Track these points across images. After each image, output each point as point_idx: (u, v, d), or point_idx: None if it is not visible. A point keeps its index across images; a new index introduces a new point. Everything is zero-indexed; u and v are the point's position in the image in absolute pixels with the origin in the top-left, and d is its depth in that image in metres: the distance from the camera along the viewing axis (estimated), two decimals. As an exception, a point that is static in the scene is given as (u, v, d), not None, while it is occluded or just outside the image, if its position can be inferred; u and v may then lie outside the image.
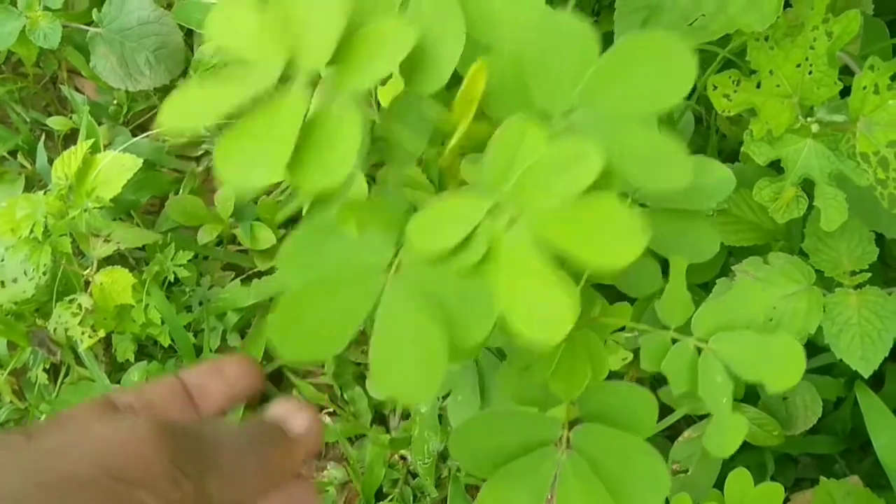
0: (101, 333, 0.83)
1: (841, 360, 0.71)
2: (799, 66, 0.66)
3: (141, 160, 0.91)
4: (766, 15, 0.63)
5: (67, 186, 0.83)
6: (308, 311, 0.37)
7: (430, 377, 0.37)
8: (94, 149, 1.02)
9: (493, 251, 0.36)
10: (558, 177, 0.35)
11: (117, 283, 0.81)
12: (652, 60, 0.38)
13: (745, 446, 0.86)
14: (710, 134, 0.84)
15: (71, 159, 0.86)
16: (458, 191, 0.38)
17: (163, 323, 0.88)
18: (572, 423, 0.52)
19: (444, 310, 0.38)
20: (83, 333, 0.80)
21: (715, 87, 0.67)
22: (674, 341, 0.54)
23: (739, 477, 0.76)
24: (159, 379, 0.35)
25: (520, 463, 0.50)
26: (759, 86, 0.67)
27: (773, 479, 0.92)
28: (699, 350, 0.53)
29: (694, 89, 0.86)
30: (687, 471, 0.87)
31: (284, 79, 0.34)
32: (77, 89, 1.16)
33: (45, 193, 0.85)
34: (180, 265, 0.87)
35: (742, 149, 0.74)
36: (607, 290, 0.62)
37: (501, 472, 0.49)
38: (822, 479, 0.84)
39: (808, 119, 0.67)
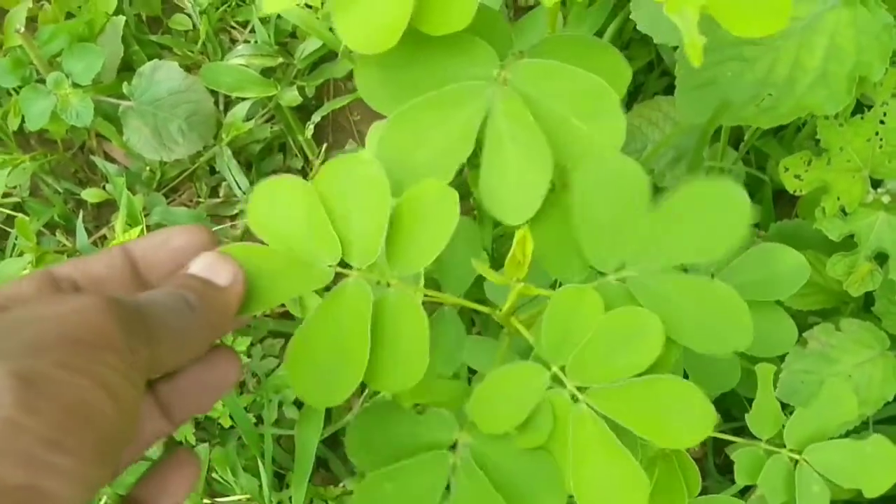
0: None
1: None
2: (869, 140, 0.66)
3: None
4: (836, 95, 0.63)
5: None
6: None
7: None
8: (133, 220, 1.04)
9: (559, 429, 0.37)
10: (619, 351, 0.36)
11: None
12: (708, 210, 0.38)
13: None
14: (766, 189, 0.84)
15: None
16: (516, 364, 0.39)
17: (223, 405, 0.90)
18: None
19: (512, 490, 0.39)
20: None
21: (787, 169, 0.67)
22: (767, 453, 0.55)
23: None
24: (104, 251, 0.35)
25: None
26: (829, 163, 0.67)
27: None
28: (794, 461, 0.55)
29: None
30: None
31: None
32: (106, 154, 1.17)
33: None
34: (242, 350, 0.89)
35: (798, 205, 0.74)
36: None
37: None
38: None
39: (879, 191, 0.68)
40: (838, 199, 0.68)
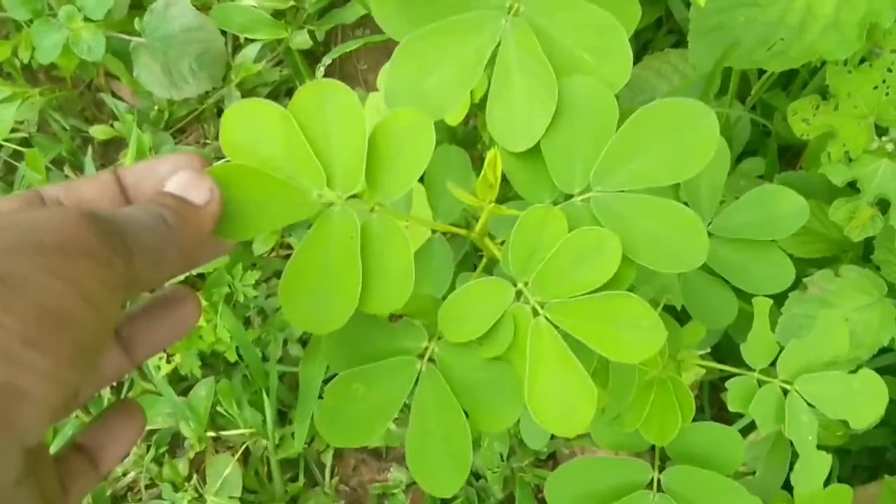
0: (177, 359, 0.88)
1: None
2: (876, 87, 0.68)
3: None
4: (846, 40, 0.65)
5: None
6: (350, 404, 0.41)
7: (456, 472, 0.41)
8: (142, 157, 1.06)
9: (519, 341, 0.40)
10: (579, 267, 0.39)
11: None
12: (672, 130, 0.40)
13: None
14: (771, 141, 0.86)
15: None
16: (483, 279, 0.41)
17: (231, 339, 0.93)
18: (661, 465, 0.57)
19: (473, 397, 0.42)
20: (160, 359, 0.85)
21: (795, 113, 0.69)
22: (759, 383, 0.58)
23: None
24: (95, 175, 0.35)
25: (616, 507, 0.54)
26: (836, 108, 0.69)
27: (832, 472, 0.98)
28: (785, 391, 0.57)
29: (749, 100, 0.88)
30: (754, 472, 0.92)
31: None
32: (113, 93, 1.19)
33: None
34: (248, 285, 0.92)
35: (802, 157, 0.76)
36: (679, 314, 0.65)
37: (600, 519, 0.54)
38: (886, 476, 0.89)
39: (884, 139, 0.70)
40: (844, 145, 0.70)
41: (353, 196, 0.38)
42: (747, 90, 0.86)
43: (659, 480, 0.56)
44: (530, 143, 0.41)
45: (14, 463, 0.25)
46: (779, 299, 0.81)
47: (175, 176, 0.34)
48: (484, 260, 0.47)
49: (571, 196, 0.41)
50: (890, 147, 0.70)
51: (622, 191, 0.41)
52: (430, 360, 0.42)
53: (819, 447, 0.94)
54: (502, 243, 0.43)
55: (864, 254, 0.81)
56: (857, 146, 0.70)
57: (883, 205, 0.71)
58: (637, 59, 0.92)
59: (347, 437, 0.42)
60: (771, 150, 0.86)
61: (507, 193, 0.45)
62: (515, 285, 0.40)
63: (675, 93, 0.84)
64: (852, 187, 0.73)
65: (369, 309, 0.38)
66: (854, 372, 0.58)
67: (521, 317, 0.39)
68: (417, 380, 0.42)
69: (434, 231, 0.54)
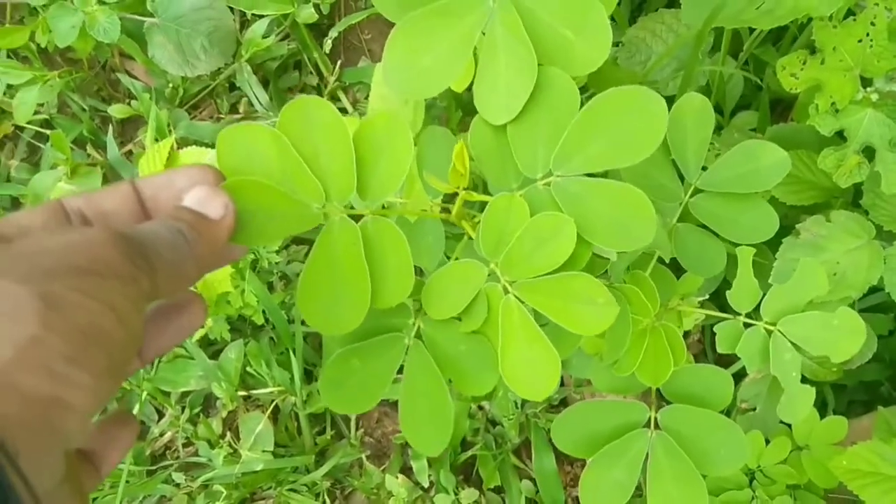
0: (209, 323, 0.95)
1: (891, 297, 0.80)
2: (860, 41, 0.72)
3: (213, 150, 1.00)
4: (831, -4, 0.68)
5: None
6: (349, 376, 0.47)
7: (440, 434, 0.46)
8: (160, 134, 1.11)
9: (492, 317, 0.45)
10: (540, 249, 0.43)
11: (218, 274, 0.92)
12: (624, 116, 0.43)
13: (807, 382, 0.97)
14: (763, 95, 0.90)
15: (155, 157, 0.95)
16: (460, 261, 0.45)
17: (257, 303, 1.00)
18: (658, 405, 0.63)
19: (456, 367, 0.47)
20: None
21: (784, 68, 0.73)
22: (745, 326, 0.63)
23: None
24: (114, 186, 0.37)
25: (615, 445, 0.60)
26: (822, 62, 0.73)
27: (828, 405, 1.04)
28: (769, 332, 0.63)
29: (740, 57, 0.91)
30: (755, 409, 0.98)
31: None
32: (128, 73, 1.23)
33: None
34: (271, 252, 0.98)
35: (793, 110, 0.80)
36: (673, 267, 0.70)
37: (599, 455, 0.60)
38: (880, 408, 0.94)
39: (868, 90, 0.74)
40: (831, 96, 0.74)
41: (348, 204, 0.42)
42: (740, 46, 0.90)
43: (656, 419, 0.62)
44: (509, 117, 0.44)
45: (59, 465, 0.28)
46: (773, 245, 0.86)
47: (192, 191, 0.36)
48: (465, 238, 0.51)
49: (535, 181, 0.45)
50: (874, 97, 0.73)
51: (580, 175, 0.44)
52: (417, 335, 0.47)
53: (814, 382, 1.00)
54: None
55: (854, 199, 0.85)
56: (844, 97, 0.73)
57: (869, 152, 0.75)
58: (632, 19, 0.96)
59: (348, 405, 0.47)
60: (763, 104, 0.90)
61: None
62: (489, 266, 0.44)
63: (669, 52, 0.88)
64: (840, 136, 0.77)
65: (377, 305, 0.42)
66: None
67: (493, 295, 0.44)
68: (407, 353, 0.46)
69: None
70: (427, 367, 0.47)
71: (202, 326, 0.41)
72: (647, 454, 0.60)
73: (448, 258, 0.49)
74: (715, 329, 0.64)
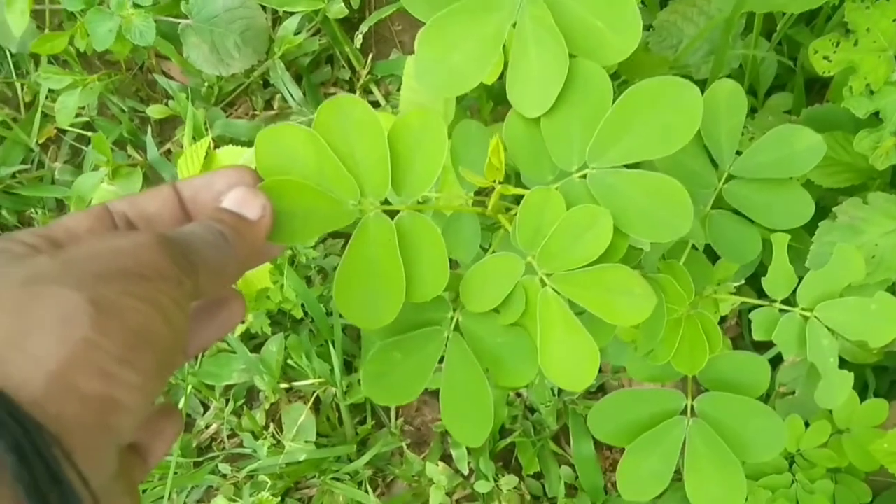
0: (250, 318, 0.97)
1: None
2: (894, 20, 0.71)
3: (251, 149, 1.02)
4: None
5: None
6: (391, 369, 0.48)
7: (481, 426, 0.47)
8: (198, 133, 1.14)
9: (530, 309, 0.45)
10: (577, 242, 0.44)
11: (258, 271, 0.94)
12: (658, 107, 0.43)
13: (848, 365, 0.97)
14: (797, 76, 0.89)
15: (193, 156, 0.97)
16: (496, 255, 0.46)
17: (296, 297, 1.02)
18: (694, 392, 0.63)
19: (495, 359, 0.48)
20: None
21: (816, 52, 0.72)
22: (781, 312, 0.63)
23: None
24: (156, 189, 0.38)
25: (652, 433, 0.61)
26: (856, 44, 0.72)
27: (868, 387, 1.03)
28: (805, 319, 0.63)
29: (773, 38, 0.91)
30: (794, 392, 0.98)
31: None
32: (164, 73, 1.26)
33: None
34: (308, 247, 1.00)
35: (829, 90, 0.79)
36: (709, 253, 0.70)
37: (637, 443, 0.61)
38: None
39: (904, 69, 0.73)
40: (865, 78, 0.73)
41: (384, 200, 0.43)
42: (773, 27, 0.89)
43: (692, 407, 0.62)
44: (542, 110, 0.45)
45: (112, 461, 0.29)
46: (810, 228, 0.86)
47: (231, 193, 0.37)
48: (501, 231, 0.51)
49: (570, 173, 0.45)
50: (910, 77, 0.73)
51: (615, 167, 0.44)
52: (456, 328, 0.48)
53: (855, 365, 0.99)
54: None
55: (892, 180, 0.84)
56: (878, 79, 0.73)
57: (905, 133, 0.75)
58: (663, 3, 0.96)
59: (391, 397, 0.48)
60: (798, 85, 0.89)
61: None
62: (525, 259, 0.45)
63: (700, 36, 0.88)
64: (876, 118, 0.76)
65: (413, 299, 0.43)
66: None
67: (531, 288, 0.45)
68: (446, 346, 0.47)
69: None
70: (466, 359, 0.48)
71: (242, 322, 0.41)
72: (685, 442, 0.61)
73: (484, 250, 0.50)
74: (750, 316, 0.64)
